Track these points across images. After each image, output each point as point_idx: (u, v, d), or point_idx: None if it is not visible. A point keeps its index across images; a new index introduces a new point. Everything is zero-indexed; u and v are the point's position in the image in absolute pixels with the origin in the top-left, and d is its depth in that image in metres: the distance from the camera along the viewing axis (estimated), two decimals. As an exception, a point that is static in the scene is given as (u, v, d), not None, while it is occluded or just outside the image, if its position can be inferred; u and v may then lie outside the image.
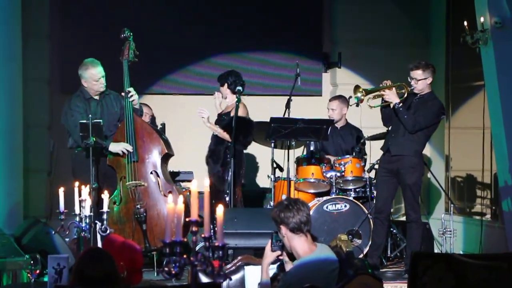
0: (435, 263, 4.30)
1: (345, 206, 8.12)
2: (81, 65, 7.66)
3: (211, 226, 6.58)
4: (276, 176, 8.38)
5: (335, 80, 10.28)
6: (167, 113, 9.69)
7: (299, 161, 8.50)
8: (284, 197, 8.08)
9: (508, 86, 7.50)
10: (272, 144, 8.16)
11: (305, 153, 8.67)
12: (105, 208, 6.14)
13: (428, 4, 10.33)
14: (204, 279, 4.70)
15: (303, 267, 4.91)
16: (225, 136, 8.06)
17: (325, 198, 8.19)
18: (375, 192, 8.10)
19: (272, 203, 8.13)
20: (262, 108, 8.99)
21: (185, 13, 10.05)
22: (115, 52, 7.79)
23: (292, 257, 5.03)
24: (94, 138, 7.18)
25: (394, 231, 8.47)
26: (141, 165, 7.66)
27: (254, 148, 9.14)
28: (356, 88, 7.57)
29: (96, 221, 6.27)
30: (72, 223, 6.02)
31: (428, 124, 7.47)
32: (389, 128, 7.82)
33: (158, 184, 7.66)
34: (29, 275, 5.28)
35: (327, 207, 8.10)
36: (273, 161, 8.25)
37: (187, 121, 9.58)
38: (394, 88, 7.54)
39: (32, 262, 5.23)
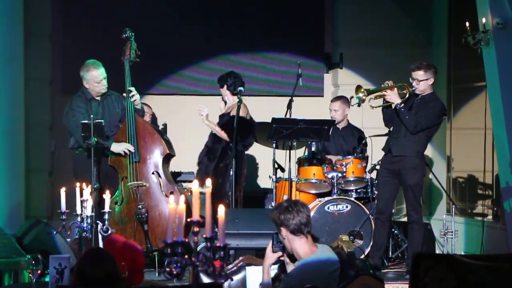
0: (436, 263, 4.29)
1: (347, 206, 8.11)
2: (82, 67, 7.66)
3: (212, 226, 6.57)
4: (278, 176, 8.38)
5: (337, 81, 10.28)
6: (168, 113, 9.70)
7: (301, 162, 8.50)
8: (285, 197, 8.08)
9: (510, 86, 7.50)
10: (274, 145, 8.16)
11: (306, 153, 8.67)
12: (107, 208, 6.14)
13: (430, 4, 10.32)
14: (205, 279, 4.69)
15: (304, 268, 4.91)
16: (223, 134, 8.06)
17: (326, 198, 8.19)
18: (376, 193, 8.10)
19: (273, 204, 8.14)
20: (263, 109, 8.99)
21: (186, 13, 10.05)
22: (117, 52, 7.80)
23: (293, 258, 5.03)
24: (95, 138, 7.18)
25: (396, 231, 8.47)
26: (142, 165, 7.66)
27: (256, 149, 9.14)
28: (358, 88, 7.56)
29: (98, 221, 6.27)
30: (73, 223, 6.02)
31: (430, 124, 7.46)
32: (391, 129, 7.82)
33: (160, 184, 7.66)
34: (30, 275, 5.27)
35: (328, 208, 8.09)
36: (274, 161, 8.26)
37: (189, 121, 9.58)
38: (395, 89, 7.53)
39: (33, 262, 5.23)
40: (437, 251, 8.85)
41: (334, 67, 10.37)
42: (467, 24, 7.56)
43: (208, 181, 3.60)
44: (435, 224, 9.13)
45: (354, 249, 5.97)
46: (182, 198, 3.58)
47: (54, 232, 7.12)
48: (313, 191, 8.49)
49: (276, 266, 5.14)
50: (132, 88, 7.67)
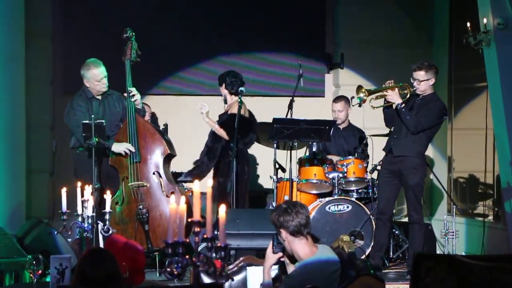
0: (437, 264, 4.29)
1: (348, 207, 8.11)
2: (83, 65, 7.67)
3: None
4: (279, 177, 8.39)
5: (338, 81, 10.28)
6: (169, 113, 9.70)
7: (302, 162, 8.50)
8: (286, 198, 8.08)
9: (511, 87, 7.50)
10: (275, 145, 8.17)
11: (307, 154, 8.67)
12: (108, 209, 6.14)
13: (431, 5, 10.32)
14: (206, 279, 4.70)
15: (305, 269, 4.91)
16: (222, 132, 8.06)
17: (327, 199, 8.19)
18: (377, 193, 8.10)
19: (274, 204, 8.14)
20: (264, 109, 8.99)
21: (187, 14, 10.05)
22: (118, 52, 7.81)
23: (293, 259, 5.03)
24: (96, 139, 7.18)
25: (397, 232, 8.47)
26: (143, 165, 7.67)
27: (257, 149, 9.14)
28: (359, 88, 7.57)
29: (99, 222, 6.27)
30: (74, 224, 6.02)
31: (431, 125, 7.46)
32: (392, 129, 7.82)
33: (161, 184, 7.67)
34: (31, 275, 5.27)
35: (329, 208, 8.09)
36: (275, 161, 8.26)
37: (190, 121, 9.58)
38: (396, 89, 7.54)
39: (34, 262, 5.22)
40: (438, 252, 8.85)
41: (335, 68, 10.37)
42: (468, 24, 7.56)
43: (210, 181, 3.61)
44: (436, 224, 9.13)
45: (355, 249, 5.98)
46: (183, 198, 3.58)
47: (55, 232, 7.12)
48: (314, 192, 8.49)
49: (276, 267, 5.14)
50: (133, 89, 7.67)
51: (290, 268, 5.05)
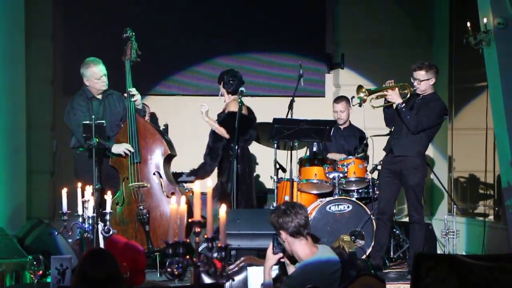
0: (438, 264, 4.29)
1: (348, 207, 8.12)
2: (82, 64, 7.69)
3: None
4: (279, 177, 8.38)
5: (338, 81, 10.28)
6: (169, 114, 9.70)
7: (302, 162, 8.50)
8: (287, 198, 8.08)
9: (511, 87, 7.50)
10: (275, 145, 8.16)
11: (308, 154, 8.66)
12: (108, 209, 6.14)
13: (431, 4, 10.32)
14: (207, 280, 4.70)
15: (306, 269, 4.91)
16: (222, 131, 8.05)
17: (328, 199, 8.19)
18: (377, 193, 8.10)
19: (275, 204, 8.14)
20: (265, 109, 8.98)
21: (188, 13, 10.05)
22: (118, 52, 7.81)
23: (293, 259, 5.04)
24: (97, 139, 7.18)
25: (397, 232, 8.47)
26: (143, 166, 7.67)
27: (257, 149, 9.14)
28: (359, 88, 7.56)
29: (99, 222, 6.27)
30: (75, 224, 6.02)
31: (431, 124, 7.46)
32: (392, 129, 7.82)
33: (161, 185, 7.67)
34: (32, 276, 5.27)
35: (330, 208, 8.10)
36: (276, 162, 8.26)
37: (190, 122, 9.58)
38: (397, 89, 7.53)
39: (35, 263, 5.22)
40: (439, 251, 8.85)
41: (335, 68, 10.37)
42: (468, 24, 7.56)
43: (210, 182, 3.61)
44: (436, 224, 9.13)
45: (356, 249, 5.97)
46: (183, 198, 3.58)
47: (56, 233, 7.13)
48: (315, 192, 8.49)
49: (277, 267, 5.15)
50: (133, 89, 7.67)
51: (290, 269, 5.05)
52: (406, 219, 8.39)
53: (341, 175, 8.27)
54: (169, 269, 3.52)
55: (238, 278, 5.34)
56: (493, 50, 7.50)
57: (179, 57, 10.04)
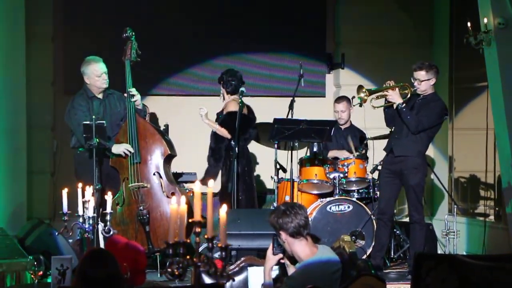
0: (438, 264, 4.29)
1: (349, 207, 8.12)
2: (83, 63, 7.71)
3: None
4: (280, 177, 8.38)
5: (339, 81, 10.28)
6: (170, 114, 9.69)
7: (303, 162, 8.50)
8: (287, 198, 8.08)
9: (511, 87, 7.50)
10: (275, 145, 8.16)
11: (308, 154, 8.66)
12: (109, 209, 6.14)
13: (431, 4, 10.32)
14: (207, 280, 4.70)
15: (306, 270, 4.92)
16: (223, 132, 8.05)
17: (328, 199, 8.19)
18: (378, 193, 8.10)
19: (275, 204, 8.13)
20: (265, 109, 8.98)
21: (188, 14, 10.04)
22: (118, 53, 7.82)
23: (293, 260, 5.04)
24: (97, 140, 7.18)
25: (398, 232, 8.47)
26: (143, 166, 7.67)
27: (257, 149, 9.14)
28: (359, 88, 7.56)
29: (99, 222, 6.27)
30: (75, 224, 6.02)
31: (431, 124, 7.46)
32: (392, 129, 7.82)
33: (161, 185, 7.67)
34: (32, 276, 5.28)
35: (330, 208, 8.10)
36: (276, 162, 8.26)
37: (191, 122, 9.57)
38: (397, 89, 7.53)
39: (35, 263, 5.23)
40: (439, 251, 8.84)
41: (335, 67, 10.36)
42: (469, 24, 7.56)
43: (211, 182, 3.61)
44: (437, 224, 9.13)
45: (356, 249, 5.96)
46: (183, 199, 3.58)
47: (56, 233, 7.13)
48: (315, 192, 8.49)
49: (277, 267, 5.15)
50: (133, 89, 7.68)
51: (290, 270, 5.05)
52: (407, 219, 8.38)
53: (341, 175, 8.27)
54: (169, 269, 3.52)
55: (238, 278, 5.35)
56: (493, 50, 7.50)
57: (179, 57, 10.03)
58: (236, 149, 7.91)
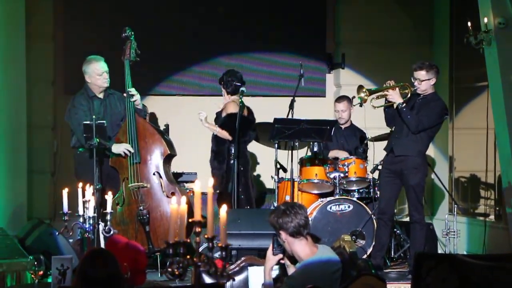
0: (438, 263, 4.29)
1: (349, 206, 8.11)
2: (84, 62, 7.73)
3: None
4: (280, 177, 8.38)
5: (339, 81, 10.28)
6: (169, 114, 9.69)
7: (303, 162, 8.50)
8: (287, 198, 8.08)
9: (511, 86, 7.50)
10: (276, 145, 8.16)
11: (308, 153, 8.67)
12: (109, 209, 6.15)
13: (431, 4, 10.32)
14: (207, 279, 4.70)
15: (306, 269, 4.92)
16: (224, 134, 8.03)
17: (328, 198, 8.19)
18: (378, 193, 8.10)
19: (275, 204, 8.13)
20: (265, 109, 8.98)
21: (188, 13, 10.04)
22: (118, 53, 7.82)
23: (293, 260, 5.04)
24: (97, 140, 7.18)
25: (398, 231, 8.47)
26: (143, 166, 7.67)
27: (258, 149, 9.14)
28: (360, 88, 7.56)
29: (100, 222, 6.27)
30: (75, 224, 6.03)
31: (431, 124, 7.46)
32: (393, 129, 7.82)
33: (161, 185, 7.67)
34: (33, 276, 5.28)
35: (330, 208, 8.09)
36: (276, 162, 8.26)
37: (191, 122, 9.56)
38: (397, 88, 7.53)
39: (36, 263, 5.23)
40: (439, 251, 8.84)
41: (336, 67, 10.36)
42: (469, 24, 7.55)
43: (210, 182, 3.61)
44: (437, 224, 9.13)
45: (356, 249, 5.96)
46: (184, 198, 3.58)
47: (56, 233, 7.13)
48: (315, 191, 8.49)
49: (277, 267, 5.15)
50: (132, 89, 7.68)
51: (291, 270, 5.05)
52: (407, 219, 8.39)
53: (342, 175, 8.27)
54: (169, 269, 3.52)
55: (238, 278, 5.35)
56: (493, 49, 7.50)
57: (179, 57, 10.03)
58: (236, 149, 7.90)
